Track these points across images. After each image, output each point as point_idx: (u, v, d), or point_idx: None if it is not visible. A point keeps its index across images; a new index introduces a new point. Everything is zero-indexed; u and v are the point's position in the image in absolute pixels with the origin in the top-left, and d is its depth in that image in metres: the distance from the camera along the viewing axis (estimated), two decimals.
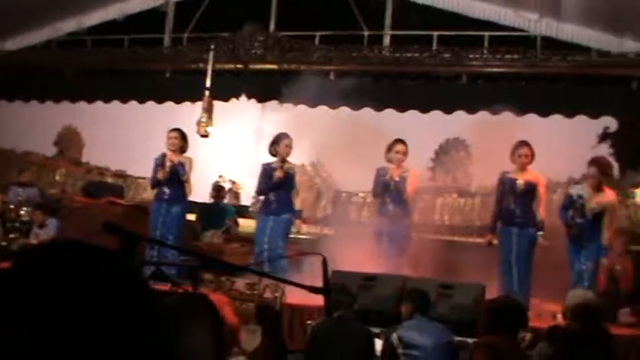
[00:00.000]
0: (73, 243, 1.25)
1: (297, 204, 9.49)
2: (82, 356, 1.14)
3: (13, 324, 1.14)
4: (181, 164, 9.65)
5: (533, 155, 8.77)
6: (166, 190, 9.68)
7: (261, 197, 9.68)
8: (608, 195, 8.48)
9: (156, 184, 9.87)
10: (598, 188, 8.40)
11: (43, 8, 14.78)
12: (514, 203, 8.74)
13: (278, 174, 9.36)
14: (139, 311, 1.23)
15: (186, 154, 9.93)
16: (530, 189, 8.70)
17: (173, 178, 9.63)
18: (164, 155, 9.78)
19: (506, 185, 8.83)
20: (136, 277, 1.26)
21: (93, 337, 1.14)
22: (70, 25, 15.49)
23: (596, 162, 8.68)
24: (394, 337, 5.92)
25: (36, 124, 14.82)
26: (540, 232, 8.68)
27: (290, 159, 9.58)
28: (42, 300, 1.16)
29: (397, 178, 9.29)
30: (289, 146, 9.50)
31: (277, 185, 9.40)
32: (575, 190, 8.55)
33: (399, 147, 9.38)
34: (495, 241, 8.95)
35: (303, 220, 9.76)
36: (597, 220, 8.33)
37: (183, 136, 9.87)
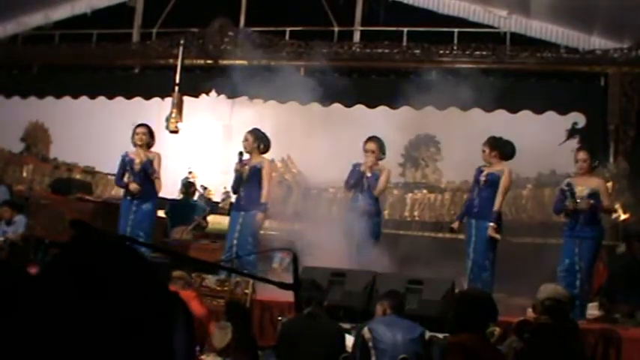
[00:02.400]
0: (99, 243, 1.26)
1: (266, 200, 9.40)
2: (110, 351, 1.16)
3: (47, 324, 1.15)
4: (149, 162, 9.53)
5: (492, 149, 8.77)
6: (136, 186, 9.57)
7: (234, 194, 9.68)
8: (595, 179, 8.45)
9: (122, 186, 9.79)
10: (585, 175, 8.35)
11: (9, 2, 14.60)
12: (476, 195, 8.78)
13: (235, 167, 9.35)
14: (161, 312, 1.23)
15: (155, 150, 9.84)
16: (493, 181, 8.71)
17: (143, 175, 9.53)
18: (127, 155, 9.65)
19: (475, 177, 8.89)
20: (155, 274, 1.27)
21: (118, 336, 1.16)
22: (36, 19, 15.32)
23: (584, 148, 8.75)
24: (365, 330, 5.93)
25: (3, 120, 14.64)
26: (491, 224, 8.64)
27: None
28: (73, 301, 1.16)
29: (369, 174, 9.26)
30: (244, 139, 9.44)
31: (242, 180, 9.35)
32: (564, 182, 8.52)
33: (368, 145, 9.34)
34: (460, 234, 8.98)
35: (267, 214, 9.68)
36: (591, 211, 8.26)
37: (150, 132, 9.71)
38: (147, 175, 9.49)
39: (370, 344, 5.86)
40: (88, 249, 1.24)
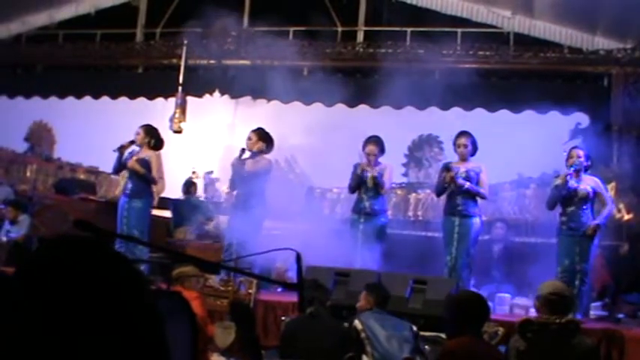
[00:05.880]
0: (78, 242, 1.26)
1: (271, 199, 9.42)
2: (91, 353, 1.17)
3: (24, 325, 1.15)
4: (144, 161, 9.52)
5: (471, 144, 8.78)
6: (129, 184, 9.54)
7: (234, 192, 9.68)
8: (590, 179, 8.45)
9: (114, 171, 9.94)
10: (578, 174, 8.34)
11: (13, 2, 14.63)
12: (456, 193, 8.75)
13: (232, 162, 9.38)
14: (142, 308, 1.24)
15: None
16: (473, 178, 8.70)
17: (135, 172, 9.54)
18: (133, 152, 9.72)
19: (450, 176, 8.83)
20: (138, 275, 1.27)
21: (100, 335, 1.16)
22: (40, 19, 15.34)
23: (579, 147, 8.73)
24: (357, 322, 5.99)
25: (6, 120, 14.66)
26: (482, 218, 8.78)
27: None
28: (51, 301, 1.17)
29: (374, 173, 9.21)
30: (248, 138, 9.44)
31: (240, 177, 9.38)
32: (559, 180, 8.44)
33: (369, 148, 9.28)
34: None
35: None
36: (587, 207, 8.26)
37: (147, 132, 9.68)
38: (139, 174, 9.49)
39: (363, 335, 5.92)
40: (59, 248, 1.24)
